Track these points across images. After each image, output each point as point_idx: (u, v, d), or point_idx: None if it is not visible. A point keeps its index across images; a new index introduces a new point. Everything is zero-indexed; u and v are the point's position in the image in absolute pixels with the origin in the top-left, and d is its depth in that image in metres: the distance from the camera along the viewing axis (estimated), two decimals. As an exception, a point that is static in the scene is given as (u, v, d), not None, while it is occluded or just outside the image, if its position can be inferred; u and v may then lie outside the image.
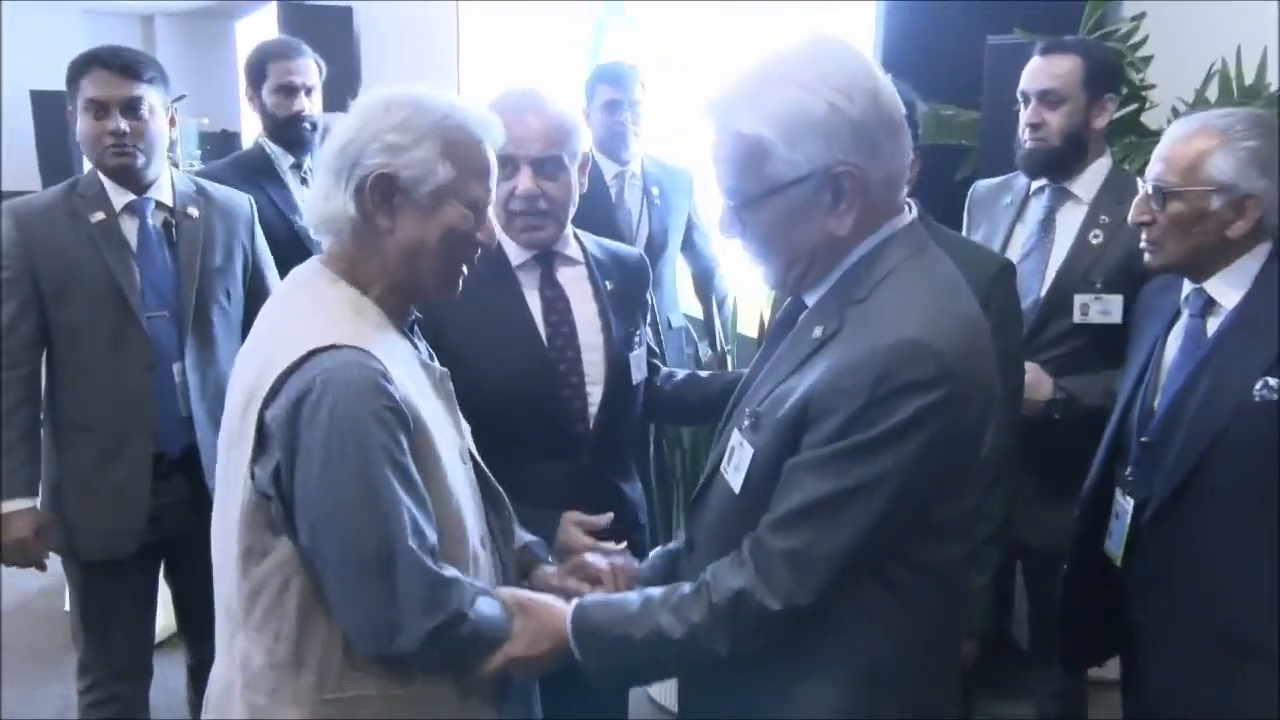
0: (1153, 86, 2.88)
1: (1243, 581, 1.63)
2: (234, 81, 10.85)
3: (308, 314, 1.30)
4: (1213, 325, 1.74)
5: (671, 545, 1.61)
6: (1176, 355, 1.78)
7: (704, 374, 2.12)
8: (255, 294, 2.38)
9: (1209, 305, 1.76)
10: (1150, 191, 1.76)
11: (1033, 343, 2.23)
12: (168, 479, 2.25)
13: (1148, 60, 2.89)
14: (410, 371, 1.33)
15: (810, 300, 1.30)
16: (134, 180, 2.22)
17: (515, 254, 1.82)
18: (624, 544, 1.67)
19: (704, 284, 3.51)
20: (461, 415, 1.47)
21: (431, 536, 1.26)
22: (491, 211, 1.42)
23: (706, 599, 1.23)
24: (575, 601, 1.35)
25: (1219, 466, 1.64)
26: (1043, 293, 2.27)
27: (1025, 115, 2.30)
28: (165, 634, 2.82)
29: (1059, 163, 2.29)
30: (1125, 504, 1.79)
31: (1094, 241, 2.24)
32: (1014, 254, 2.32)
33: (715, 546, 1.30)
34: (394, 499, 1.21)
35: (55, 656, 3.16)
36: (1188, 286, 1.80)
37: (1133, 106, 2.87)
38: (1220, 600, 1.65)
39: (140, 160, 2.19)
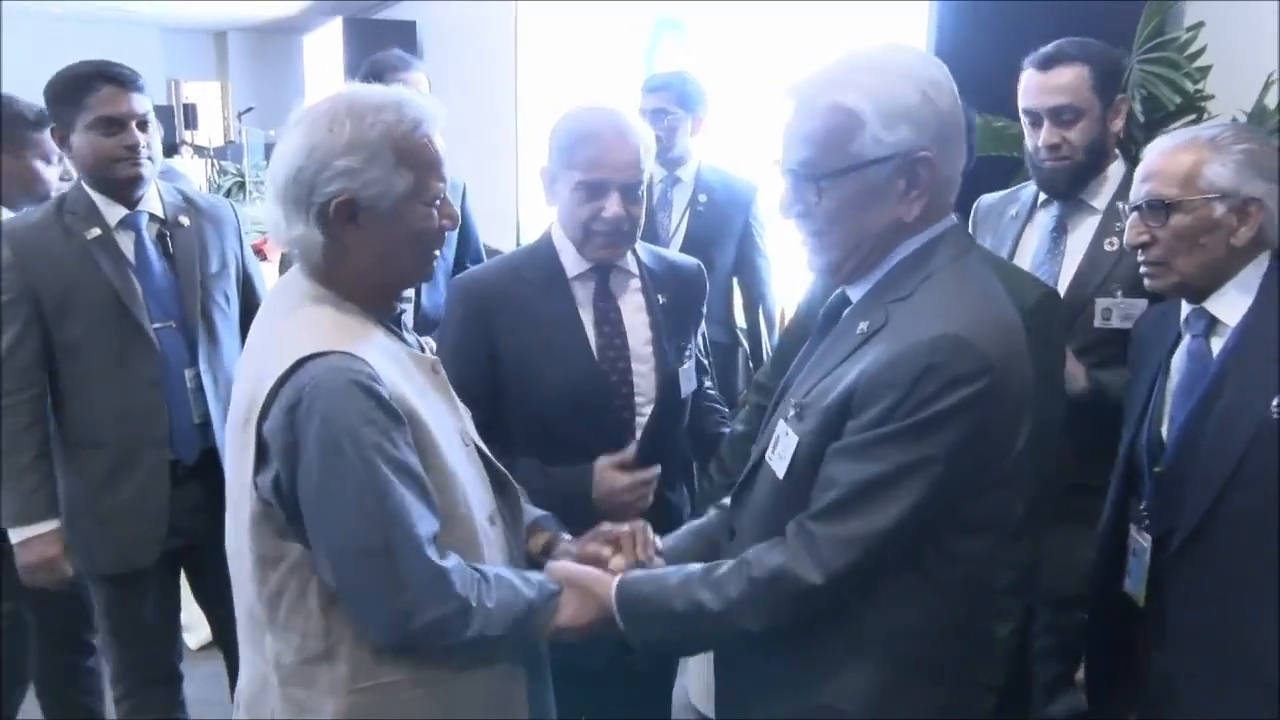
0: (1211, 97, 2.82)
1: (1277, 617, 1.52)
2: (301, 94, 11.12)
3: (294, 325, 1.33)
4: (1218, 345, 1.66)
5: (698, 521, 1.62)
6: (1181, 380, 1.69)
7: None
8: (246, 297, 2.41)
9: (1212, 325, 1.68)
10: (1146, 209, 1.67)
11: None
12: (184, 486, 2.28)
13: (1205, 70, 2.84)
14: (400, 366, 1.36)
15: (854, 295, 1.34)
16: (129, 194, 2.22)
17: (572, 265, 1.85)
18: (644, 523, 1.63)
19: (753, 303, 3.48)
20: (460, 402, 1.50)
21: (433, 525, 1.29)
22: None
23: (745, 574, 1.27)
24: (619, 576, 1.39)
25: (1243, 492, 1.54)
26: None
27: (1037, 136, 2.15)
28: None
29: (1084, 177, 2.18)
30: (1142, 541, 1.69)
31: (1109, 249, 2.12)
32: (1021, 266, 2.19)
33: (759, 532, 1.34)
34: (392, 493, 1.25)
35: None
36: (1186, 308, 1.72)
37: (1190, 117, 2.81)
38: (1255, 639, 1.53)
39: (150, 171, 2.22)
